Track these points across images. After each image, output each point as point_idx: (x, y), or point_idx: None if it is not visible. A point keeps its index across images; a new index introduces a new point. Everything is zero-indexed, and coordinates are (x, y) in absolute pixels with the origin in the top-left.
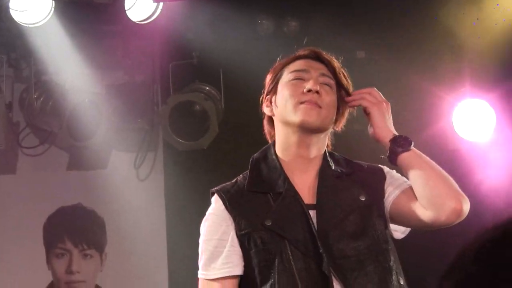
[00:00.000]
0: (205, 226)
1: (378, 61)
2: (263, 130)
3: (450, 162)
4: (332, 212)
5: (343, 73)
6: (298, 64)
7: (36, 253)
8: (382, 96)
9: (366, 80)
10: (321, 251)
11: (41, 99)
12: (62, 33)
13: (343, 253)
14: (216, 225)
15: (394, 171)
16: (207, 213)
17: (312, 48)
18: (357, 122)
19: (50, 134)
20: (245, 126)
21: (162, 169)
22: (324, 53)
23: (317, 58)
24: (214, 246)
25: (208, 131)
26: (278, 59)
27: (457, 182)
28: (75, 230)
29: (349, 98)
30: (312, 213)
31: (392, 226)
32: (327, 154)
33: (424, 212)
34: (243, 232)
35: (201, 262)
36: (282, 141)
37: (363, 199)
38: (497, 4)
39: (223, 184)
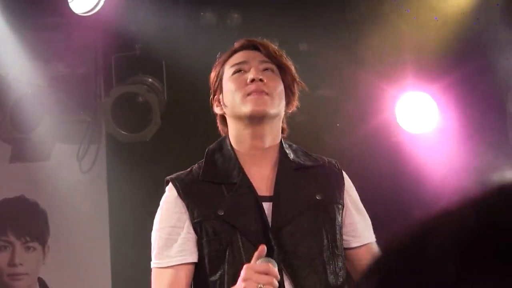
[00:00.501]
0: (158, 216)
1: (320, 53)
2: (205, 122)
3: (392, 153)
4: (287, 207)
5: (281, 54)
6: (236, 58)
7: None
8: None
9: (309, 72)
10: (272, 244)
11: None
12: (4, 25)
13: (295, 249)
14: (169, 213)
15: (351, 183)
16: (161, 202)
17: (245, 39)
18: (301, 114)
19: None
20: (187, 118)
21: (105, 161)
22: (259, 39)
23: (253, 46)
24: (168, 233)
25: (150, 123)
26: (217, 56)
27: (399, 173)
28: (17, 222)
29: None
30: (267, 205)
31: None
32: (284, 144)
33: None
34: (195, 220)
35: (154, 252)
36: (236, 135)
37: (319, 198)
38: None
39: (178, 173)
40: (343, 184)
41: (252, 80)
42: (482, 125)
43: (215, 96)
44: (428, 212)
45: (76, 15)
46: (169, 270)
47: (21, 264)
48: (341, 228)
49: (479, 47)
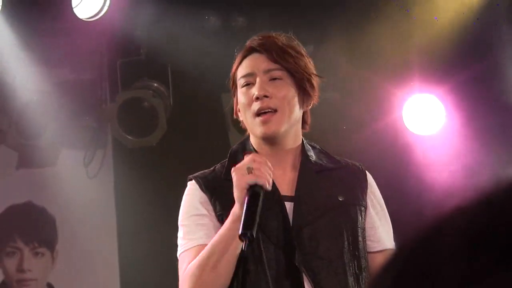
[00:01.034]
0: (182, 209)
1: (327, 56)
2: (211, 126)
3: (399, 155)
4: (309, 208)
5: (289, 53)
6: (244, 66)
7: None
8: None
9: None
10: (294, 244)
11: None
12: (9, 31)
13: (315, 250)
14: (193, 203)
15: (375, 186)
16: (183, 196)
17: (256, 40)
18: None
19: None
20: (193, 122)
21: (112, 166)
22: (268, 37)
23: (263, 50)
24: (193, 221)
25: (156, 128)
26: (235, 52)
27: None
28: (25, 229)
29: None
30: (289, 205)
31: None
32: (306, 145)
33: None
34: (219, 213)
35: (180, 242)
36: (255, 142)
37: (341, 199)
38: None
39: (201, 171)
40: (366, 186)
41: (257, 98)
42: (489, 126)
43: (235, 100)
44: (439, 211)
45: (81, 20)
46: (196, 248)
47: (29, 270)
48: (363, 230)
49: (485, 49)
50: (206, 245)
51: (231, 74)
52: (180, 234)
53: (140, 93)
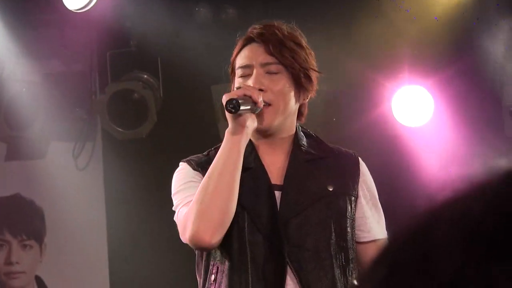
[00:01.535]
0: (174, 184)
1: (317, 47)
2: (201, 118)
3: (389, 147)
4: (297, 198)
5: (289, 47)
6: (242, 57)
7: None
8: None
9: None
10: (281, 233)
11: None
12: None
13: (302, 242)
14: (186, 176)
15: (369, 176)
16: (174, 176)
17: (257, 29)
18: None
19: None
20: (183, 114)
21: (101, 158)
22: (269, 27)
23: (261, 41)
24: (188, 185)
25: (146, 119)
26: (237, 38)
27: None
28: (14, 221)
29: None
30: (278, 194)
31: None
32: (299, 132)
33: None
34: None
35: (176, 203)
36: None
37: (331, 189)
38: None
39: (195, 155)
40: (359, 174)
41: None
42: (478, 118)
43: (232, 86)
44: (431, 203)
45: (70, 11)
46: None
47: (17, 263)
48: (353, 220)
49: (474, 42)
50: None
51: (231, 60)
52: (176, 199)
53: (130, 84)
